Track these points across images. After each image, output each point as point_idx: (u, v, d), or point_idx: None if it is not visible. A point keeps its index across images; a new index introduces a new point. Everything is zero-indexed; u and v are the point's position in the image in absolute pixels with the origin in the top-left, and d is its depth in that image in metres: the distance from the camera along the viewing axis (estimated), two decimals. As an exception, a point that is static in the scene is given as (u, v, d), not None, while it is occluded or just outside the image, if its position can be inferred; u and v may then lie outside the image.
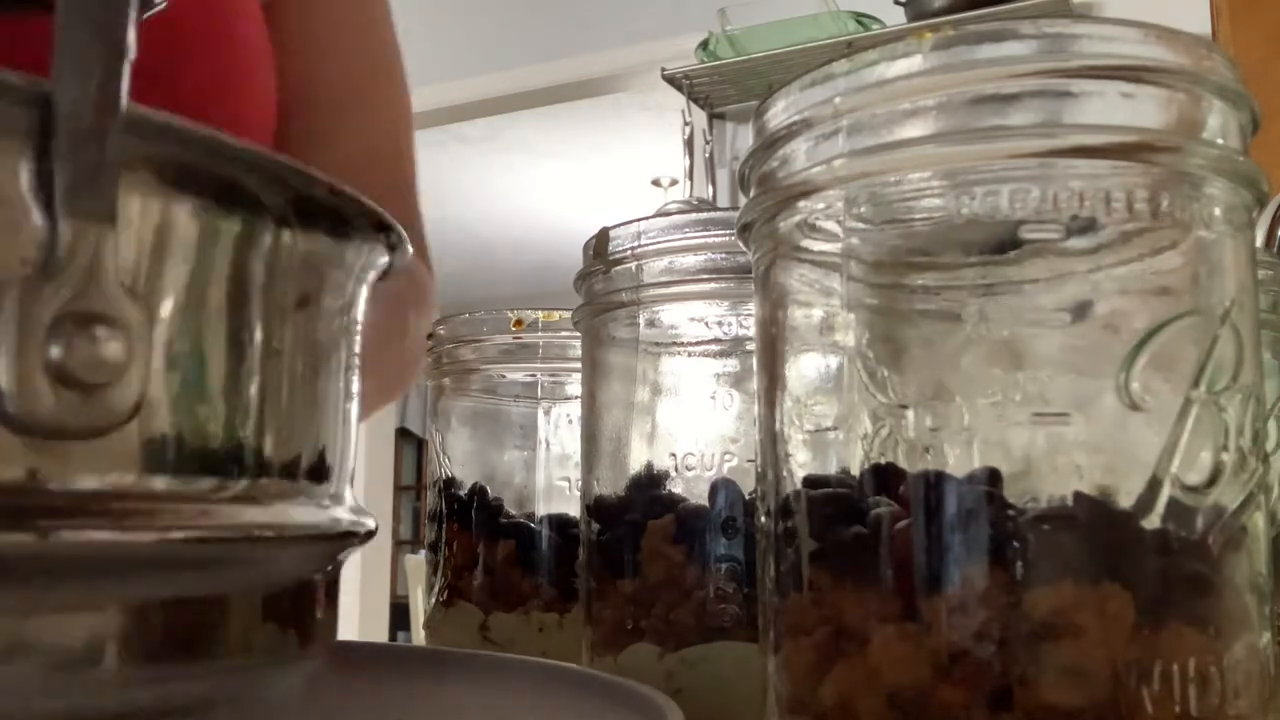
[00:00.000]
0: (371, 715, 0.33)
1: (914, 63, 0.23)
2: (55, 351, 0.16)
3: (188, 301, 0.19)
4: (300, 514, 0.21)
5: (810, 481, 0.24)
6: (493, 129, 3.54)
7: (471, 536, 0.50)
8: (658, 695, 0.29)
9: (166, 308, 0.18)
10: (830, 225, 0.24)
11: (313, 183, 0.21)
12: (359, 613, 3.30)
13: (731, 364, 0.37)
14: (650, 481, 0.37)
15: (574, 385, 0.49)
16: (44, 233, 0.16)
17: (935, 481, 0.22)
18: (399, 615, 3.83)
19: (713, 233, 0.37)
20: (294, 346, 0.21)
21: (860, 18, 2.27)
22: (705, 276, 0.37)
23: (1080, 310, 0.22)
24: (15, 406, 0.16)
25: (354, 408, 0.25)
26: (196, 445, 0.19)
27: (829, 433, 0.24)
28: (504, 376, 0.52)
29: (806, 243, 0.25)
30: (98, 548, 0.17)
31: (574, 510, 0.49)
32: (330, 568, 0.24)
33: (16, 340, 0.16)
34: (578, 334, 0.41)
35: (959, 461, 0.22)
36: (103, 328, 0.17)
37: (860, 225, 0.24)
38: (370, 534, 0.24)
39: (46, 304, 0.16)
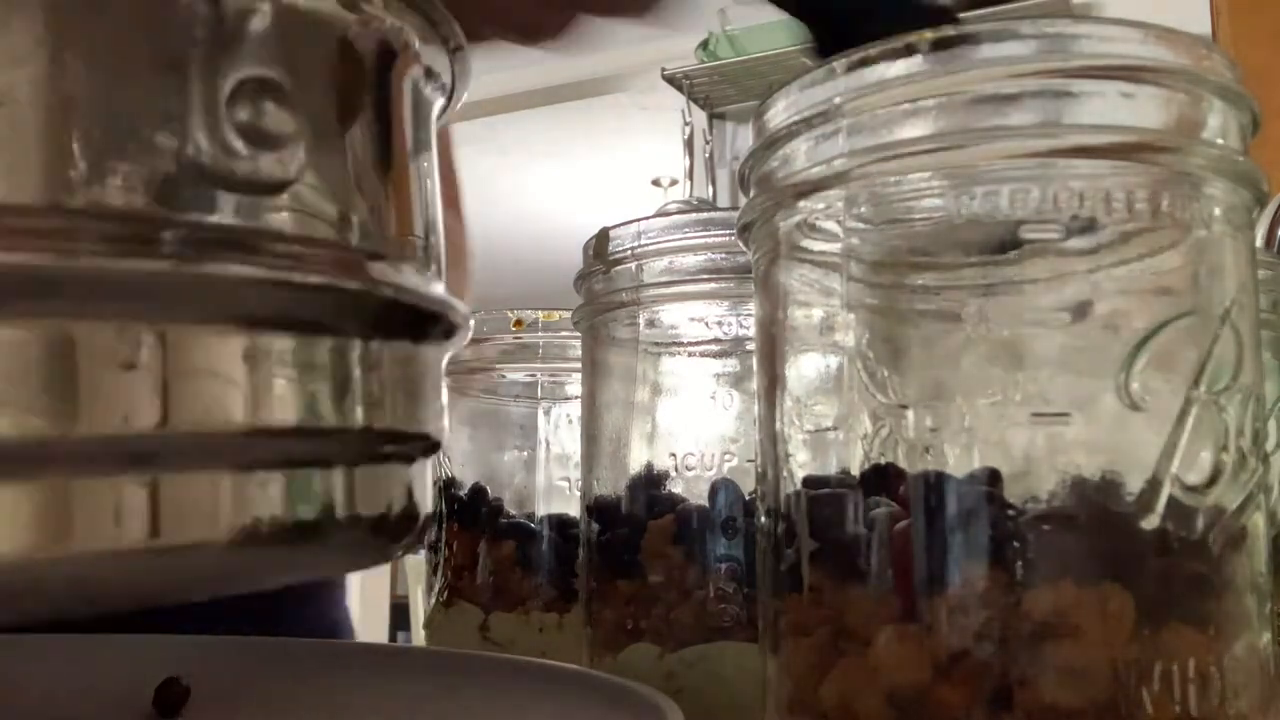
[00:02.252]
0: (371, 716, 0.33)
1: (914, 63, 0.23)
2: (240, 113, 0.18)
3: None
4: (414, 280, 0.22)
5: (810, 481, 0.24)
6: (493, 129, 3.54)
7: (471, 536, 0.50)
8: (658, 696, 0.29)
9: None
10: (830, 225, 0.24)
11: None
12: (359, 613, 3.30)
13: (731, 364, 0.37)
14: (650, 481, 0.37)
15: (574, 385, 0.49)
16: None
17: (935, 481, 0.22)
18: (399, 615, 3.83)
19: (713, 233, 0.37)
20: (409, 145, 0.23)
21: (860, 18, 2.27)
22: (705, 276, 0.37)
23: (1080, 310, 0.22)
24: (212, 160, 0.17)
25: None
26: (339, 211, 0.20)
27: (829, 433, 0.24)
28: (504, 376, 0.52)
29: (806, 243, 0.25)
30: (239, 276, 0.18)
31: (574, 510, 0.49)
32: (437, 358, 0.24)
33: (204, 102, 0.17)
34: (578, 334, 0.41)
35: (959, 461, 0.22)
36: (275, 92, 0.18)
37: (860, 225, 0.24)
38: (468, 319, 0.24)
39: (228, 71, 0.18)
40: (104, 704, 0.33)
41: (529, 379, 0.52)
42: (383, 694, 0.35)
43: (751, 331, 0.35)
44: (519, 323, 0.51)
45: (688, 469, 0.36)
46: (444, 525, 0.51)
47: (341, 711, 0.33)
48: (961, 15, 0.28)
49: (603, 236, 0.39)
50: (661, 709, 0.28)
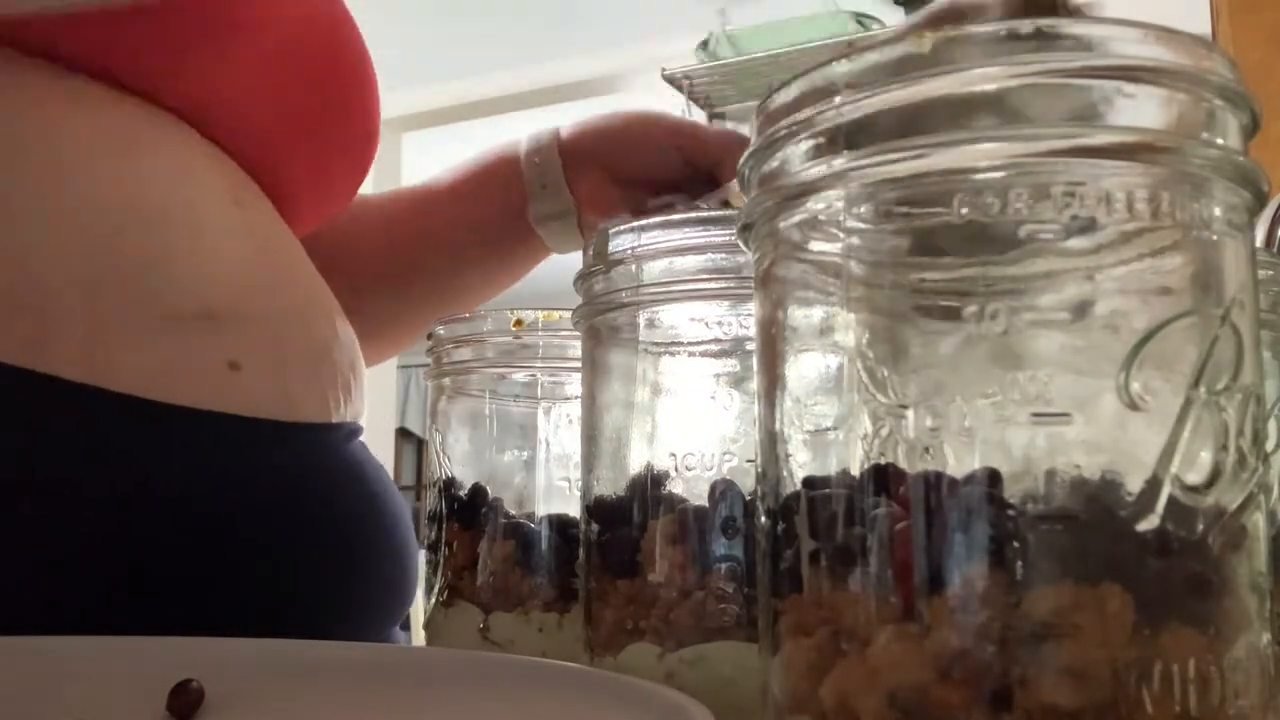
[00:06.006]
0: (374, 716, 0.33)
1: (913, 62, 0.23)
2: None
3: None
4: None
5: (810, 482, 0.24)
6: (493, 129, 3.54)
7: (471, 536, 0.50)
8: (659, 690, 0.29)
9: None
10: (830, 225, 0.24)
11: None
12: (359, 613, 3.29)
13: (731, 364, 0.37)
14: (650, 481, 0.37)
15: (574, 385, 0.49)
16: None
17: (935, 481, 0.22)
18: (399, 615, 3.82)
19: (713, 233, 0.37)
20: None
21: (860, 18, 2.27)
22: (705, 276, 0.37)
23: (1080, 310, 0.22)
24: None
25: None
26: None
27: (829, 433, 0.24)
28: (504, 376, 0.52)
29: (806, 243, 0.25)
30: None
31: (574, 510, 0.49)
32: None
33: None
34: (578, 334, 0.41)
35: (959, 461, 0.22)
36: None
37: (860, 225, 0.24)
38: None
39: None
40: (117, 706, 0.33)
41: (529, 379, 0.52)
42: (384, 694, 0.35)
43: (751, 331, 0.35)
44: (519, 323, 0.51)
45: (688, 469, 0.36)
46: (444, 525, 0.51)
47: (346, 712, 0.33)
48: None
49: (603, 236, 0.39)
50: (664, 703, 0.28)
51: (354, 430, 0.58)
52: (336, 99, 0.62)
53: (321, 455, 0.54)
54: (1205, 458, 0.22)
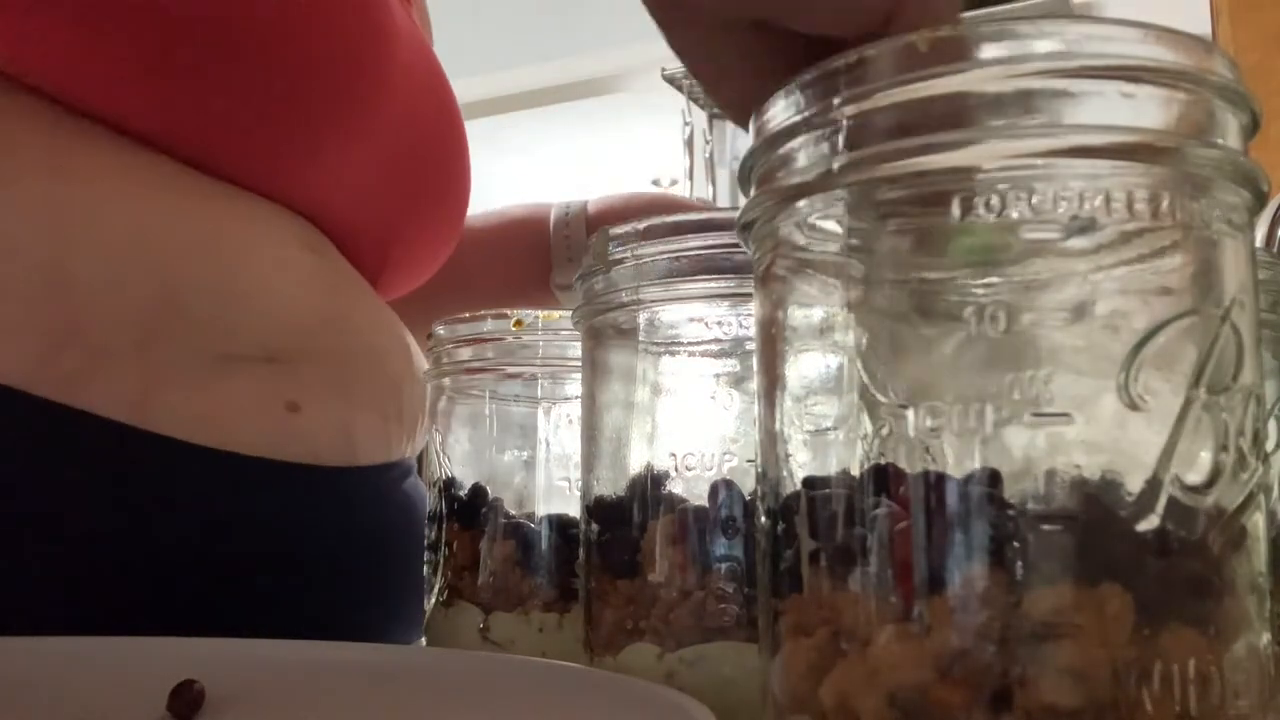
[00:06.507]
0: (372, 716, 0.33)
1: (913, 62, 0.23)
2: None
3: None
4: None
5: (810, 482, 0.24)
6: (493, 129, 3.55)
7: (471, 536, 0.50)
8: (658, 690, 0.29)
9: None
10: (830, 225, 0.24)
11: None
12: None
13: (731, 364, 0.37)
14: (650, 481, 0.37)
15: (574, 385, 0.49)
16: None
17: (935, 482, 0.22)
18: (399, 615, 3.82)
19: (713, 233, 0.37)
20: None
21: (860, 18, 2.27)
22: (705, 276, 0.37)
23: (1080, 310, 0.22)
24: None
25: None
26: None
27: (829, 433, 0.24)
28: (504, 376, 0.52)
29: (806, 243, 0.25)
30: None
31: (574, 510, 0.48)
32: None
33: None
34: (578, 334, 0.41)
35: (959, 461, 0.22)
36: None
37: (860, 225, 0.24)
38: None
39: None
40: (118, 706, 0.33)
41: (529, 379, 0.52)
42: (385, 694, 0.35)
43: (751, 331, 0.35)
44: (519, 323, 0.51)
45: (688, 469, 0.36)
46: (444, 525, 0.51)
47: (346, 712, 0.33)
48: (961, 15, 0.28)
49: (603, 236, 0.39)
50: (664, 703, 0.28)
51: (408, 468, 0.57)
52: (436, 189, 0.62)
53: (373, 500, 0.53)
54: (1205, 458, 0.22)
